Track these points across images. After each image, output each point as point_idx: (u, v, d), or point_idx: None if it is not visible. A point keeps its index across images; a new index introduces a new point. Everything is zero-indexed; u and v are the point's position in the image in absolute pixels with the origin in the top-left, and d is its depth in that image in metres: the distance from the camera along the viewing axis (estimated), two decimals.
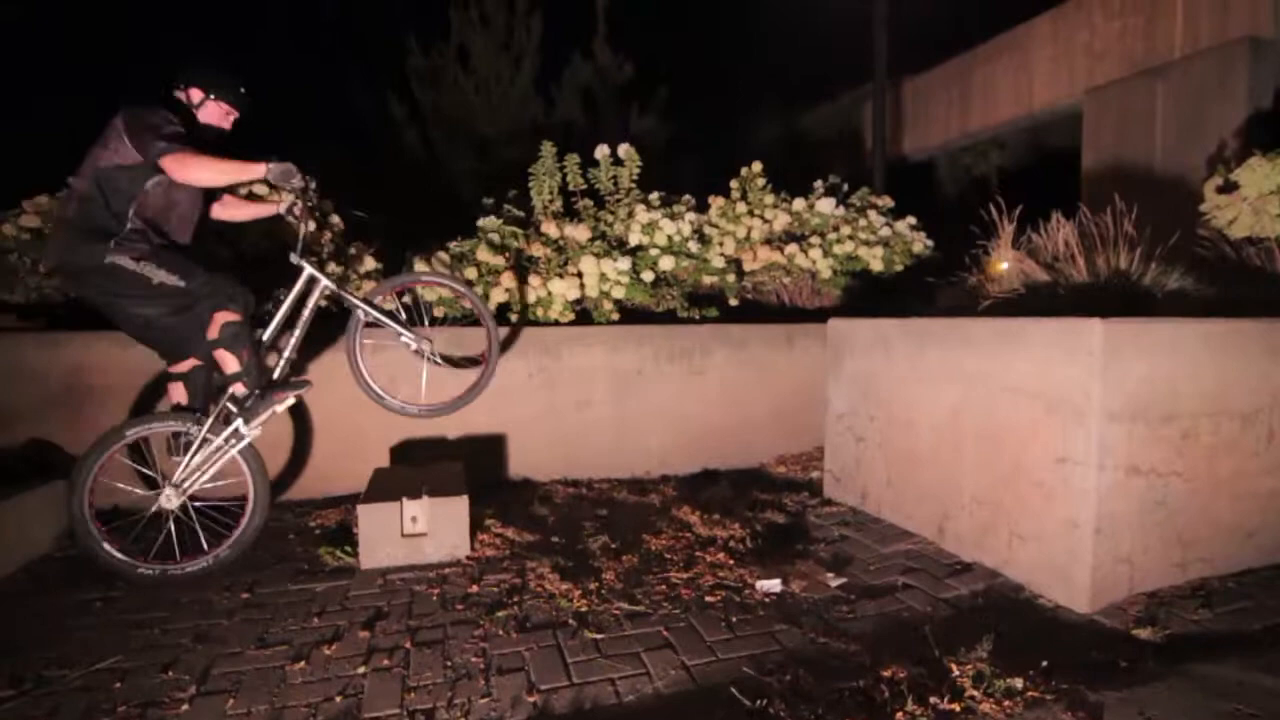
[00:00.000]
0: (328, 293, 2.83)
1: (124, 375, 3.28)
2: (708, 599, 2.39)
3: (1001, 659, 1.90)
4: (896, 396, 3.03)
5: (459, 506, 2.74)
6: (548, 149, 4.29)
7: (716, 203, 4.52)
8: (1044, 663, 1.87)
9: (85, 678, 1.92)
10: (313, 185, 2.64)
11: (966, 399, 2.63)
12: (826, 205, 4.54)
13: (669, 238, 4.11)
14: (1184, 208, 4.31)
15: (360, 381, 3.00)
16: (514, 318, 3.92)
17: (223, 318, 2.58)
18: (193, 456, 2.63)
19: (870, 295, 4.73)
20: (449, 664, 1.98)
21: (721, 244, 4.42)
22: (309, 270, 2.77)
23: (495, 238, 4.03)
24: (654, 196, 4.30)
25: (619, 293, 3.98)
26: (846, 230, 4.55)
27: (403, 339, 3.00)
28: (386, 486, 2.87)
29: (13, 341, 3.19)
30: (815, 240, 4.47)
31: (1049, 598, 2.31)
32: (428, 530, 2.71)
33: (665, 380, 4.06)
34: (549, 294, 3.88)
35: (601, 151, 4.40)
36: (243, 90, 2.71)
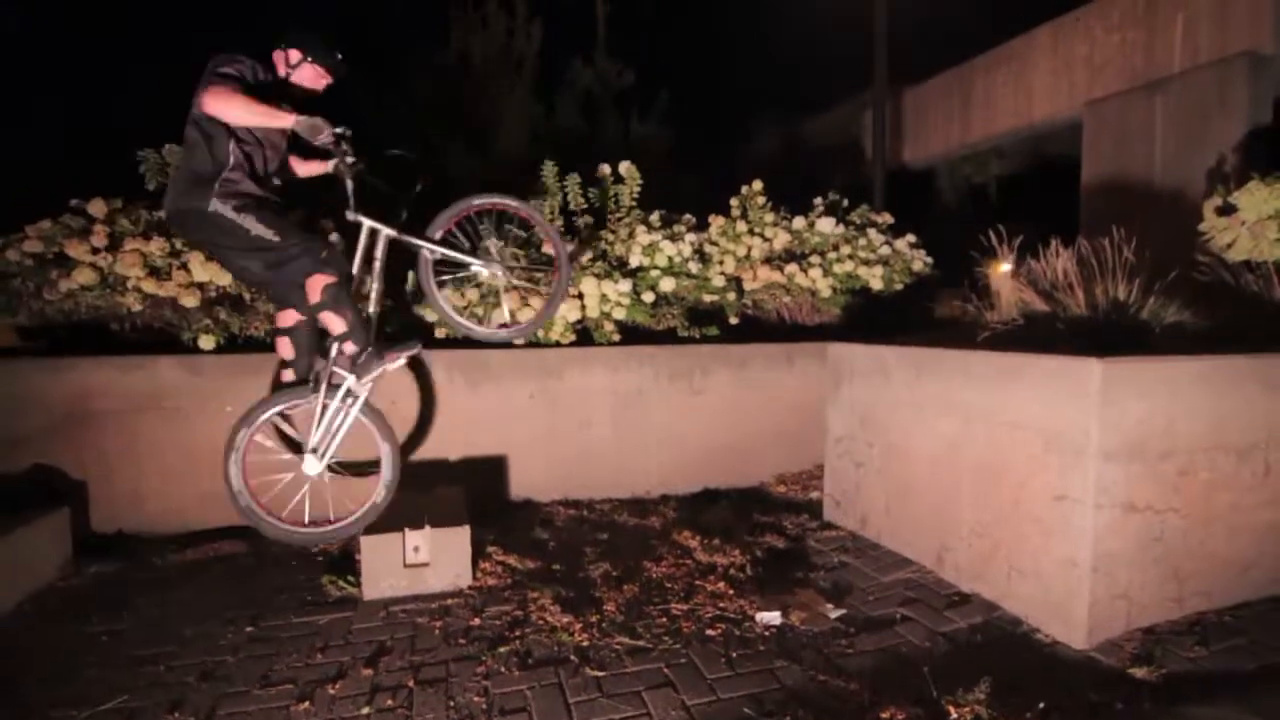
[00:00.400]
0: (391, 238, 2.89)
1: (127, 400, 3.30)
2: (708, 632, 2.40)
3: (999, 699, 1.91)
4: (895, 424, 3.05)
5: (461, 537, 2.76)
6: (549, 169, 4.30)
7: (717, 222, 4.54)
8: (1041, 704, 1.89)
9: None
10: (347, 136, 2.66)
11: (965, 431, 2.64)
12: (826, 225, 4.55)
13: (669, 259, 4.13)
14: (1184, 223, 4.33)
15: (445, 317, 3.14)
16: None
17: (320, 281, 2.68)
18: (319, 423, 2.79)
19: (870, 313, 4.75)
20: (452, 704, 2.00)
21: (722, 262, 4.43)
22: (368, 223, 2.84)
23: None
24: (654, 217, 4.31)
25: (620, 314, 4.00)
26: (846, 250, 4.56)
27: (473, 267, 3.11)
28: (388, 514, 2.88)
29: (17, 366, 3.21)
30: (815, 259, 4.49)
31: (1047, 632, 2.33)
32: (430, 560, 2.73)
33: (666, 400, 4.08)
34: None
35: (602, 170, 4.42)
36: (339, 57, 2.79)
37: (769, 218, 4.62)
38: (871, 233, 4.74)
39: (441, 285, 3.16)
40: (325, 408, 2.81)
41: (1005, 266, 3.43)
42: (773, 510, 3.74)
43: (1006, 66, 8.55)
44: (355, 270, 2.87)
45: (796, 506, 3.83)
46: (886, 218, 5.11)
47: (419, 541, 2.72)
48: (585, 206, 4.39)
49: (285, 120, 2.52)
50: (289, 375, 2.99)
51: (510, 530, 3.38)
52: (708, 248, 4.47)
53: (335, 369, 2.81)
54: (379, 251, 2.87)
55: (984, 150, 10.14)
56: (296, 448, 2.97)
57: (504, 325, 3.35)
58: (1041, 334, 2.74)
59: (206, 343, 3.35)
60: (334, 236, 3.63)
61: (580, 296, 3.96)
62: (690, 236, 4.29)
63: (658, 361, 4.05)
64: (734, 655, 2.25)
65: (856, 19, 8.65)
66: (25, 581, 2.70)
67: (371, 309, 2.92)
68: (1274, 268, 3.35)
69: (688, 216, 4.54)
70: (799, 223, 4.62)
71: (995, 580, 2.54)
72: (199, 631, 2.41)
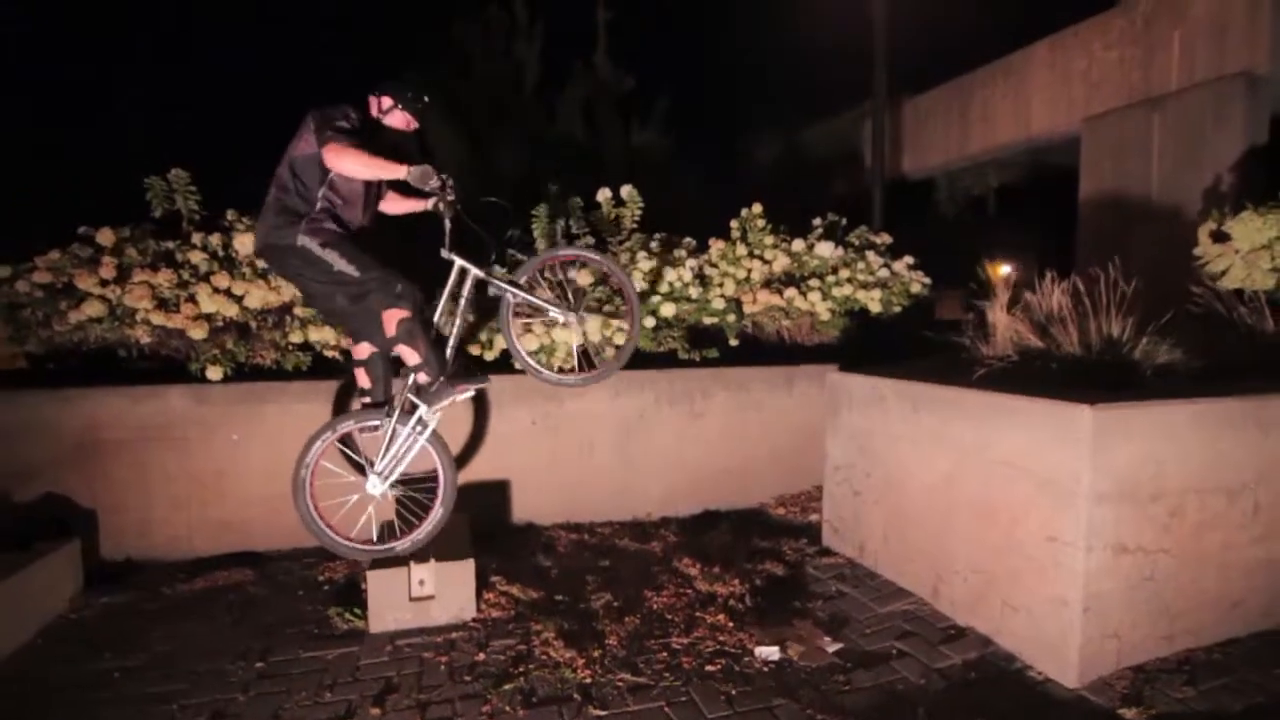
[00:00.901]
0: (478, 279, 3.04)
1: (137, 429, 3.35)
2: (708, 668, 2.45)
3: None
4: (892, 455, 3.10)
5: (465, 570, 2.81)
6: (552, 194, 4.35)
7: (717, 245, 4.58)
8: None
9: None
10: (450, 184, 2.87)
11: (960, 467, 2.69)
12: (825, 249, 4.60)
13: (670, 284, 4.18)
14: (1180, 243, 4.38)
15: (518, 359, 3.27)
16: (518, 364, 3.98)
17: (395, 315, 2.84)
18: (388, 447, 2.93)
19: (869, 335, 4.80)
20: None
21: (721, 285, 4.47)
22: (459, 263, 3.00)
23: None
24: (655, 244, 4.35)
25: (620, 339, 4.04)
26: (845, 273, 4.61)
27: (551, 313, 3.29)
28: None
29: (29, 398, 3.26)
30: (814, 282, 4.53)
31: (1039, 670, 2.38)
32: (435, 593, 2.78)
33: (667, 423, 4.13)
34: (552, 341, 3.94)
35: (604, 194, 4.46)
36: (426, 99, 3.02)
37: (768, 240, 4.67)
38: (870, 255, 4.79)
39: (519, 327, 3.35)
40: (396, 433, 2.94)
41: (1005, 269, 3.49)
42: (772, 534, 3.79)
43: (1005, 80, 8.58)
44: (442, 305, 3.04)
45: (796, 530, 3.88)
46: (885, 238, 5.15)
47: (424, 575, 2.77)
48: (587, 230, 4.43)
49: (399, 172, 2.72)
50: (363, 381, 3.13)
51: (513, 556, 3.43)
52: (708, 270, 4.52)
53: (409, 396, 2.96)
54: (466, 290, 3.04)
55: (983, 163, 10.18)
56: (358, 468, 3.09)
57: (572, 370, 3.52)
58: (1035, 372, 2.78)
59: (214, 374, 3.40)
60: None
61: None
62: (691, 262, 4.34)
63: (658, 385, 4.10)
64: (734, 693, 2.30)
65: (858, 27, 8.66)
66: (38, 615, 2.75)
67: (452, 342, 3.08)
68: (1265, 299, 3.39)
69: (688, 240, 4.59)
70: (798, 245, 4.66)
71: (989, 615, 2.59)
72: (210, 668, 2.46)
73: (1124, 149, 7.01)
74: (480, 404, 3.83)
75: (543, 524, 3.93)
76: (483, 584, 2.98)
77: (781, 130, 13.24)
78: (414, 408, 2.95)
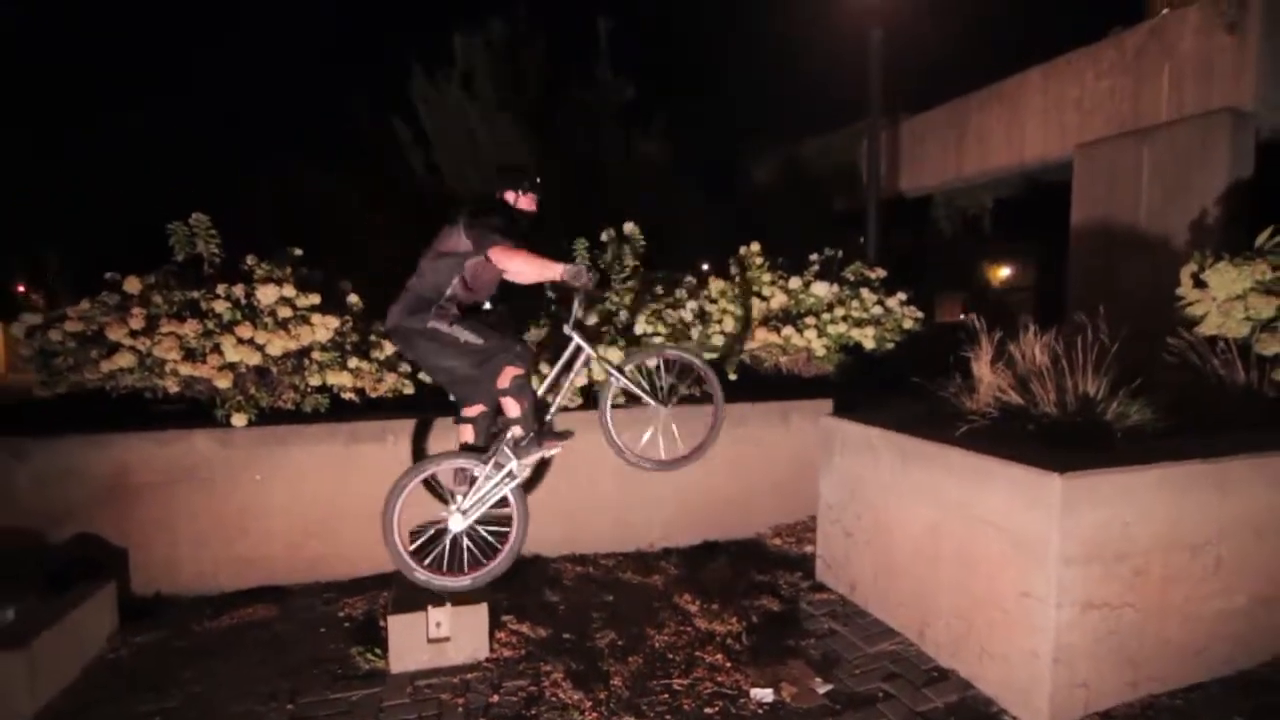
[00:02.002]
0: (590, 359, 3.37)
1: (164, 472, 3.53)
2: (707, 710, 2.63)
3: None
4: (882, 502, 3.28)
5: (479, 613, 2.99)
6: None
7: (717, 283, 4.76)
8: None
9: None
10: (594, 278, 3.18)
11: (944, 519, 2.87)
12: (821, 288, 4.77)
13: (671, 325, 4.35)
14: (1166, 274, 4.55)
15: (607, 437, 3.55)
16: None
17: (512, 371, 3.21)
18: (477, 490, 3.24)
19: (865, 368, 4.98)
20: None
21: (721, 321, 4.66)
22: (576, 340, 3.34)
23: None
24: (658, 287, 4.53)
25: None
26: (840, 311, 4.78)
27: (644, 399, 3.62)
28: (412, 591, 3.11)
29: (64, 444, 3.44)
30: (810, 320, 4.71)
31: (1014, 714, 2.56)
32: (451, 635, 2.96)
33: None
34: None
35: (608, 234, 4.63)
36: (538, 180, 3.40)
37: (766, 278, 4.84)
38: (864, 292, 4.96)
39: (615, 409, 3.67)
40: (488, 479, 3.25)
41: (1005, 271, 3.67)
42: (769, 566, 3.97)
43: (1000, 104, 8.74)
44: (552, 376, 3.44)
45: (791, 562, 4.06)
46: (879, 272, 5.32)
47: (441, 618, 2.95)
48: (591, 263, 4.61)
49: (555, 270, 3.03)
50: (468, 437, 3.40)
51: (523, 591, 3.61)
52: (708, 307, 4.70)
53: (504, 448, 3.27)
54: (578, 364, 3.40)
55: (979, 184, 10.34)
56: (442, 500, 3.39)
57: (647, 456, 3.69)
58: (1014, 431, 2.96)
59: (239, 420, 3.58)
60: (347, 283, 4.24)
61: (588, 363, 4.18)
62: (691, 303, 4.51)
63: None
64: None
65: (860, 43, 8.76)
66: (81, 655, 2.93)
67: (554, 409, 3.41)
68: (1237, 349, 3.57)
69: (689, 279, 4.76)
70: (795, 283, 4.84)
71: (969, 660, 2.77)
72: (242, 709, 2.64)
73: (1115, 178, 7.18)
74: None
75: (549, 555, 4.11)
76: (494, 622, 3.16)
77: (781, 143, 13.39)
78: (507, 460, 3.26)
